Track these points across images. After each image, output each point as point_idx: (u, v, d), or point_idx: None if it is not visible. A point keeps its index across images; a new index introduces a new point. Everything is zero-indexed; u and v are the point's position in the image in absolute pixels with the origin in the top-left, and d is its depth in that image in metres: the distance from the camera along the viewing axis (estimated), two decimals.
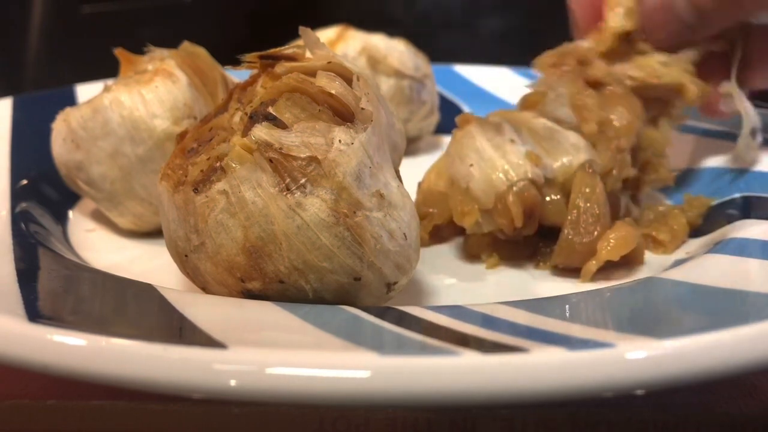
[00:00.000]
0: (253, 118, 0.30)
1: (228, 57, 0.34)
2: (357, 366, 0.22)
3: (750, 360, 0.23)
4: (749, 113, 0.44)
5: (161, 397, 0.29)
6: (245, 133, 0.29)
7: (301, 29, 0.32)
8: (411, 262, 0.31)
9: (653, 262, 0.40)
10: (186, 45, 0.45)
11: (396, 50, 0.58)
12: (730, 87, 0.45)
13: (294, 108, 0.30)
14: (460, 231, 0.42)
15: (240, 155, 0.29)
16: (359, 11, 0.88)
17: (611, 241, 0.38)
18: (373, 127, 0.30)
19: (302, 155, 0.28)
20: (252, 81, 0.34)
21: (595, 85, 0.43)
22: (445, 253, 0.42)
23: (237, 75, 0.40)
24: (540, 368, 0.22)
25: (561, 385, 0.22)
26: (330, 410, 0.29)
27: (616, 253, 0.37)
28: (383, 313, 0.28)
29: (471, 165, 0.39)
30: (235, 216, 0.29)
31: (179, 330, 0.27)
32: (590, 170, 0.39)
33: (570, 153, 0.40)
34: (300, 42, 0.32)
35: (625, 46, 0.45)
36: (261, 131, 0.29)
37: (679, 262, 0.38)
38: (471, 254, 0.41)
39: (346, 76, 0.31)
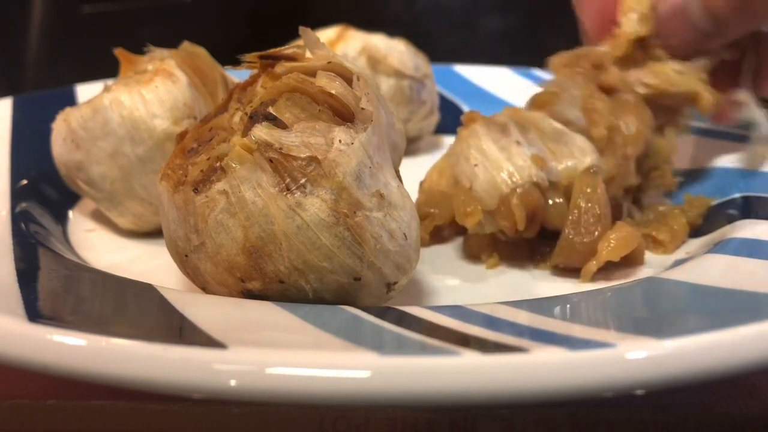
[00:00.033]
0: (253, 118, 0.30)
1: (228, 57, 0.34)
2: (357, 366, 0.22)
3: (750, 360, 0.23)
4: (763, 121, 0.44)
5: (161, 397, 0.29)
6: (245, 133, 0.29)
7: (301, 29, 0.32)
8: (411, 262, 0.31)
9: (653, 262, 0.40)
10: (186, 45, 0.45)
11: (396, 50, 0.58)
12: (744, 95, 0.44)
13: (294, 108, 0.30)
14: (461, 231, 0.42)
15: (240, 155, 0.29)
16: (359, 11, 0.88)
17: (612, 241, 0.38)
18: (373, 127, 0.30)
19: (302, 155, 0.28)
20: (252, 81, 0.34)
21: (608, 90, 0.43)
22: (445, 253, 0.42)
23: (237, 75, 0.40)
24: (540, 368, 0.22)
25: (561, 385, 0.22)
26: (330, 410, 0.29)
27: (617, 253, 0.37)
28: (383, 313, 0.28)
29: (476, 165, 0.39)
30: (235, 216, 0.29)
31: (179, 330, 0.27)
32: (593, 170, 0.39)
33: (576, 156, 0.40)
34: (300, 42, 0.32)
35: (639, 51, 0.45)
36: (261, 131, 0.29)
37: (679, 262, 0.38)
38: (471, 254, 0.41)
39: (346, 76, 0.31)
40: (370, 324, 0.27)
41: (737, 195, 0.43)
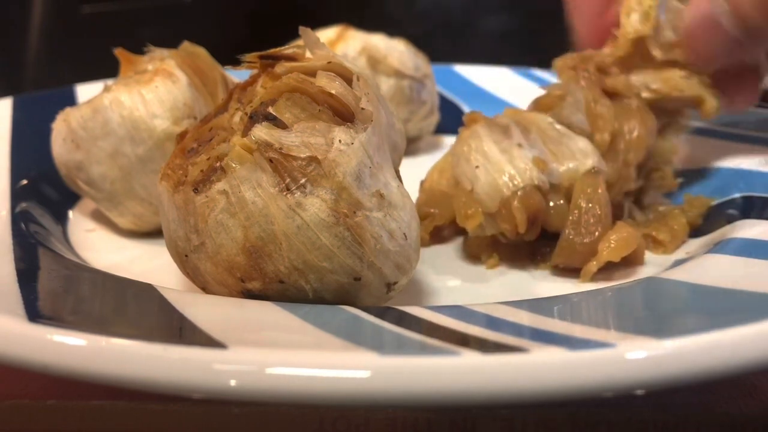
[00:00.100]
0: (253, 118, 0.30)
1: (228, 57, 0.34)
2: (357, 366, 0.22)
3: (750, 360, 0.23)
4: None
5: (161, 397, 0.29)
6: (245, 133, 0.29)
7: (301, 29, 0.32)
8: (411, 262, 0.31)
9: (653, 262, 0.40)
10: (186, 45, 0.45)
11: (396, 50, 0.58)
12: None
13: (294, 108, 0.30)
14: (461, 231, 0.42)
15: (240, 155, 0.29)
16: (359, 11, 0.88)
17: (612, 242, 0.38)
18: (373, 127, 0.30)
19: (302, 155, 0.28)
20: (252, 81, 0.34)
21: (612, 94, 0.43)
22: (445, 253, 0.42)
23: (237, 75, 0.40)
24: (540, 368, 0.22)
25: (561, 385, 0.22)
26: (330, 410, 0.29)
27: (617, 254, 0.37)
28: (383, 313, 0.28)
29: (477, 167, 0.39)
30: (235, 216, 0.29)
31: (179, 330, 0.27)
32: (594, 170, 0.39)
33: (577, 158, 0.40)
34: (300, 42, 0.32)
35: (639, 52, 0.45)
36: (261, 131, 0.29)
37: (679, 262, 0.38)
38: (471, 254, 0.41)
39: (346, 76, 0.31)
40: (370, 324, 0.27)
41: (737, 195, 0.43)
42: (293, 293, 0.30)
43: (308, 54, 0.32)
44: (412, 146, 0.59)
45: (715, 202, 0.43)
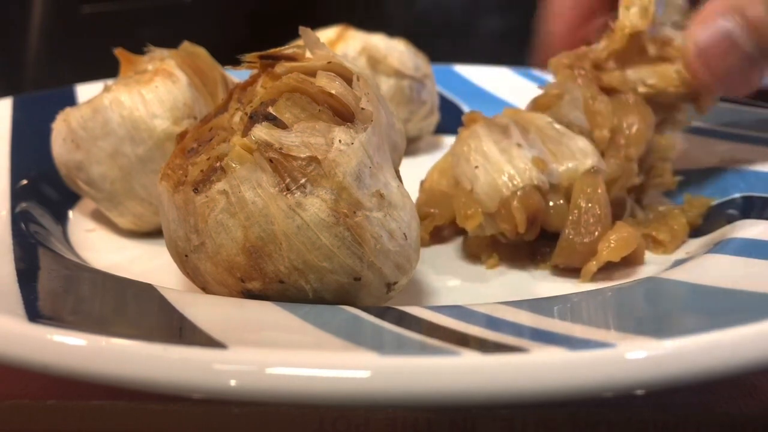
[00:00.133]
0: (253, 118, 0.30)
1: (228, 57, 0.34)
2: (357, 366, 0.22)
3: (750, 360, 0.23)
4: None
5: (161, 397, 0.29)
6: (245, 133, 0.29)
7: (301, 29, 0.32)
8: (411, 262, 0.31)
9: (653, 262, 0.40)
10: (186, 45, 0.45)
11: (396, 50, 0.58)
12: None
13: (294, 108, 0.30)
14: (461, 231, 0.42)
15: (240, 155, 0.29)
16: (359, 11, 0.88)
17: (612, 241, 0.38)
18: (373, 127, 0.30)
19: (302, 155, 0.28)
20: (252, 81, 0.34)
21: (609, 91, 0.43)
22: (445, 253, 0.42)
23: (237, 75, 0.40)
24: (540, 368, 0.22)
25: (561, 385, 0.22)
26: (330, 410, 0.29)
27: (617, 254, 0.37)
28: (383, 313, 0.28)
29: (476, 167, 0.39)
30: (235, 216, 0.29)
31: (179, 330, 0.27)
32: (593, 170, 0.39)
33: (577, 158, 0.40)
34: (300, 42, 0.32)
35: (634, 46, 0.44)
36: (261, 131, 0.29)
37: (679, 262, 0.38)
38: (471, 254, 0.41)
39: (346, 76, 0.31)
40: (370, 324, 0.27)
41: (737, 195, 0.43)
42: (293, 293, 0.30)
43: (308, 54, 0.32)
44: (412, 146, 0.59)
45: (715, 202, 0.43)
